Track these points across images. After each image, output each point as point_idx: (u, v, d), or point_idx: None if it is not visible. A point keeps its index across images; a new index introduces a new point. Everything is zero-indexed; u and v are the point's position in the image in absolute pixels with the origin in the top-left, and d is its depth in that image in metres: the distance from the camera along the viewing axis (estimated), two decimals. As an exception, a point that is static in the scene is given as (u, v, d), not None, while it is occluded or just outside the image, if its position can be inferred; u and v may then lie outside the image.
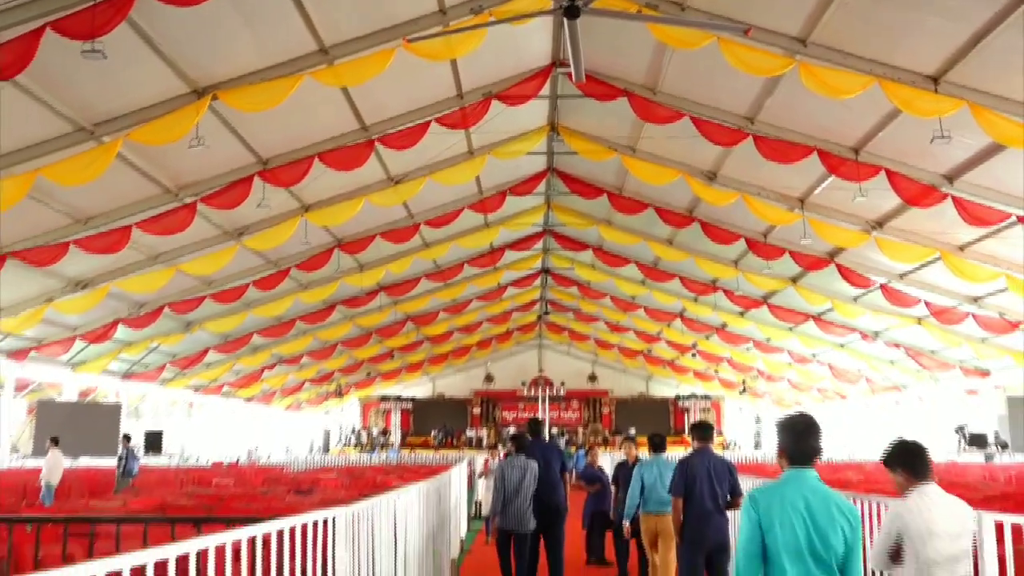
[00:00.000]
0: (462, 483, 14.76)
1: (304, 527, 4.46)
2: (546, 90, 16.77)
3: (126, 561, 2.87)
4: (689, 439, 8.68)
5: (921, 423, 33.18)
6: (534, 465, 9.50)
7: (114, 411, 26.43)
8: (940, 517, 4.15)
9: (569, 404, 46.05)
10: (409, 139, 15.80)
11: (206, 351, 28.17)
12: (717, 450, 11.85)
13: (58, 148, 13.21)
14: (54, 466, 16.01)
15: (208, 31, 12.20)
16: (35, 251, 16.05)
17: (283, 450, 38.77)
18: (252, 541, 3.83)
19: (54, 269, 17.44)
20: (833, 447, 35.55)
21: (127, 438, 16.98)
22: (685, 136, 15.76)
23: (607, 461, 18.48)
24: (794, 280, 24.04)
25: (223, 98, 12.98)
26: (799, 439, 3.96)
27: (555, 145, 20.21)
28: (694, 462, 7.85)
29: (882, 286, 21.77)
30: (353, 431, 45.13)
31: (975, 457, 26.76)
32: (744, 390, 41.46)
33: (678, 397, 45.98)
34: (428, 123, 15.71)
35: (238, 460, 29.18)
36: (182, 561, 3.29)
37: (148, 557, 3.02)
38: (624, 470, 11.00)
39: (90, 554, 6.05)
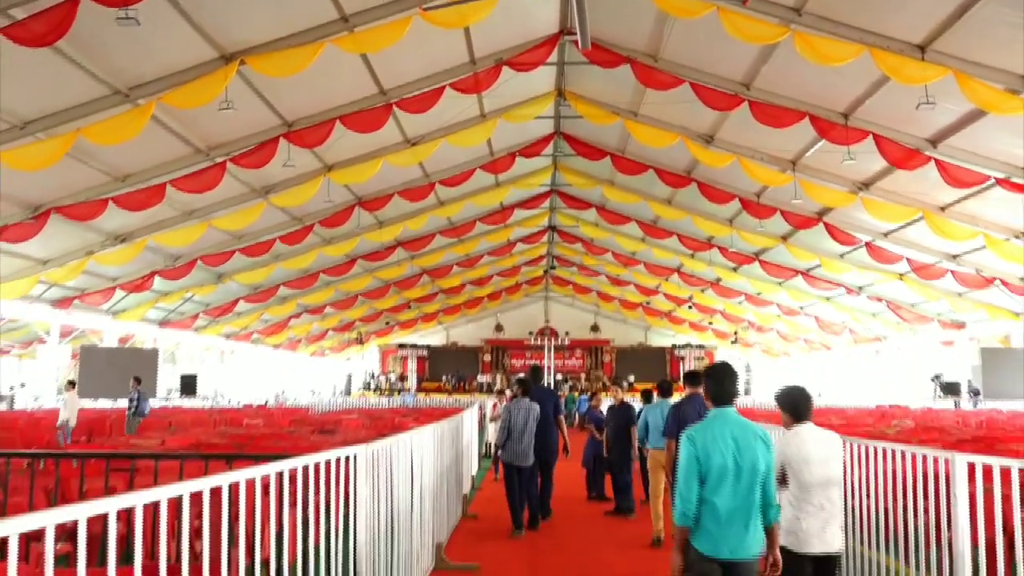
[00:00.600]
0: (473, 426, 14.86)
1: (327, 464, 4.49)
2: (554, 57, 16.56)
3: (163, 493, 2.91)
4: (682, 386, 8.71)
5: (900, 372, 33.29)
6: (536, 408, 9.82)
7: (151, 356, 26.61)
8: (813, 448, 4.73)
9: (573, 352, 46.27)
10: (425, 103, 15.69)
11: (236, 301, 28.32)
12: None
13: (96, 110, 13.19)
14: (71, 408, 16.01)
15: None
16: (77, 207, 16.09)
17: (308, 393, 39.09)
18: (279, 476, 3.86)
19: (94, 224, 17.46)
20: (818, 394, 35.72)
21: (138, 380, 16.75)
22: (684, 101, 15.58)
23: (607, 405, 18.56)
24: (784, 238, 23.94)
25: (250, 63, 12.88)
26: (720, 384, 4.39)
27: (562, 109, 20.11)
28: (685, 407, 7.91)
29: (867, 244, 21.69)
30: (372, 376, 45.44)
31: (950, 404, 26.85)
32: (736, 340, 41.53)
33: (674, 346, 46.11)
34: (443, 88, 15.58)
35: (267, 402, 29.48)
36: (215, 494, 3.33)
37: (183, 489, 3.05)
38: (612, 412, 11.61)
39: (130, 487, 6.13)
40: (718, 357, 45.73)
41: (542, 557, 8.39)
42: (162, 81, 13.09)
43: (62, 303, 22.35)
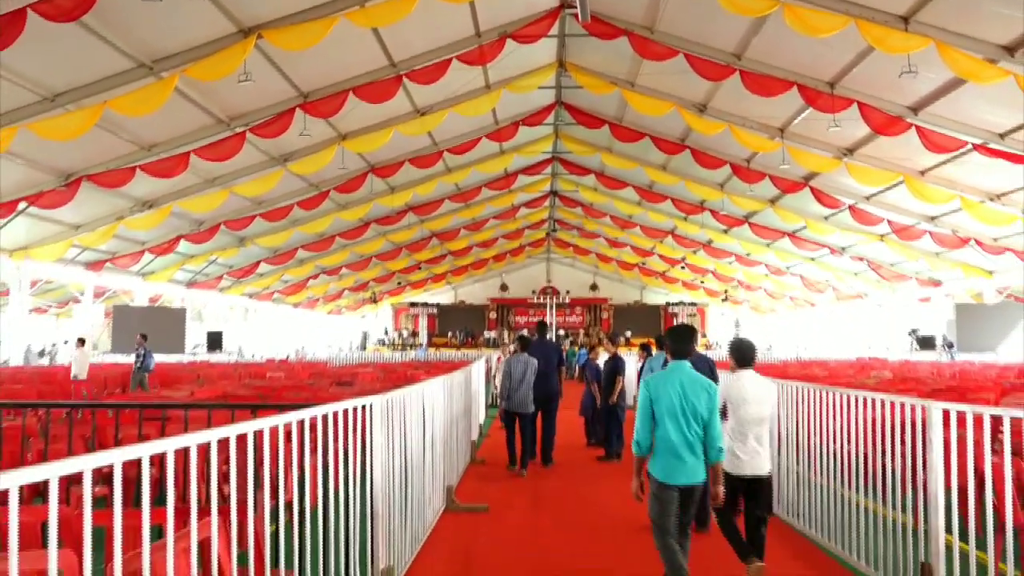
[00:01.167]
0: (480, 378, 14.92)
1: (345, 412, 4.52)
2: (555, 29, 16.35)
3: (193, 439, 2.92)
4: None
5: (880, 327, 33.31)
6: (534, 362, 10.34)
7: (180, 315, 26.71)
8: (751, 390, 5.40)
9: (573, 310, 46.29)
10: (433, 74, 15.53)
11: (258, 263, 28.35)
12: (701, 350, 12.08)
13: (122, 83, 13.09)
14: (81, 363, 16.06)
15: (252, -24, 11.92)
16: (106, 175, 16.05)
17: (326, 348, 39.26)
18: (301, 424, 3.88)
19: (123, 191, 17.43)
20: (803, 348, 35.78)
21: (143, 336, 16.72)
22: (679, 72, 15.40)
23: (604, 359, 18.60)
24: (772, 201, 23.82)
25: (267, 37, 12.74)
26: (677, 342, 5.01)
27: (563, 80, 19.93)
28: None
29: (850, 207, 21.57)
30: (386, 332, 45.59)
31: (927, 356, 26.92)
32: (726, 298, 41.52)
33: (668, 304, 46.07)
34: (450, 60, 15.41)
35: (288, 357, 29.61)
36: (241, 440, 3.36)
37: (212, 436, 3.07)
38: (607, 364, 11.71)
39: (162, 434, 6.18)
40: (709, 314, 45.85)
41: (544, 497, 8.49)
42: (184, 55, 12.97)
43: (94, 265, 22.39)
